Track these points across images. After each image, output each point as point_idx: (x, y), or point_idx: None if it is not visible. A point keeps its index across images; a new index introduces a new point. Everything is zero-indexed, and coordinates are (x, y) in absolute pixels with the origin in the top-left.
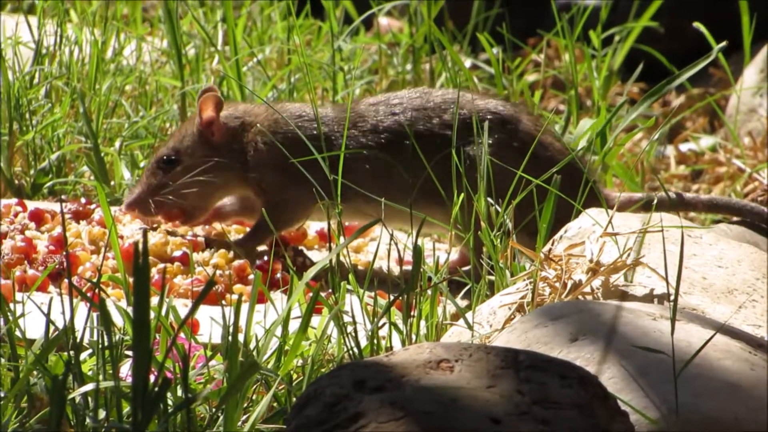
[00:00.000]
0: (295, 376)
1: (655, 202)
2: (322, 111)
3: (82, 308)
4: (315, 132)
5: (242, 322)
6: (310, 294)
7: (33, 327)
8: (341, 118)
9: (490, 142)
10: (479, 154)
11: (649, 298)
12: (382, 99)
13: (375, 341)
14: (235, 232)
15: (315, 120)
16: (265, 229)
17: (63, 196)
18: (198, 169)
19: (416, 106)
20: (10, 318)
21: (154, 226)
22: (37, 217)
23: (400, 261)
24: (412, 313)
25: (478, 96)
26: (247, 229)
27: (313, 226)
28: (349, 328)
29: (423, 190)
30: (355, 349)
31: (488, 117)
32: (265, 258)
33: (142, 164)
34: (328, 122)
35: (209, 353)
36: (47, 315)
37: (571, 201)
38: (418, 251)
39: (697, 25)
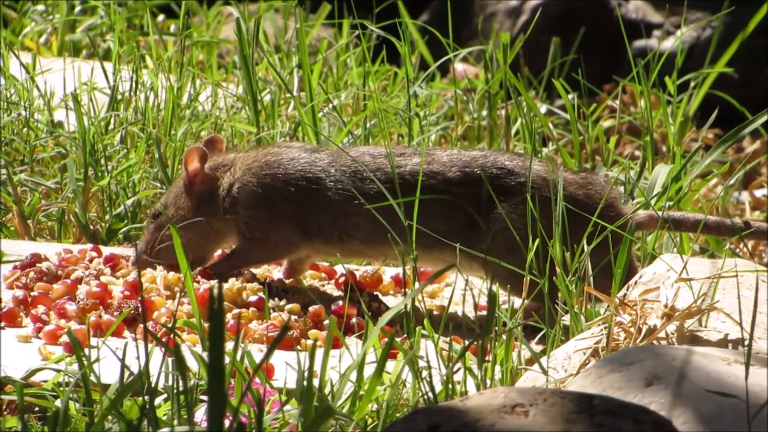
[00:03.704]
0: (369, 420)
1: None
2: (318, 155)
3: (156, 353)
4: (309, 174)
5: (317, 367)
6: (385, 339)
7: (108, 372)
8: (337, 162)
9: (503, 198)
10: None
11: (723, 343)
12: (385, 151)
13: (450, 386)
14: (311, 277)
15: (309, 162)
16: (242, 259)
17: (138, 242)
18: (182, 218)
19: (419, 162)
20: (86, 363)
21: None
22: (113, 263)
23: (476, 306)
24: (487, 358)
25: (485, 153)
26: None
27: (389, 272)
28: (424, 373)
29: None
30: (430, 394)
31: (494, 172)
32: (341, 303)
33: None
34: (324, 166)
35: (284, 398)
36: (122, 360)
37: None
38: (492, 296)
39: None
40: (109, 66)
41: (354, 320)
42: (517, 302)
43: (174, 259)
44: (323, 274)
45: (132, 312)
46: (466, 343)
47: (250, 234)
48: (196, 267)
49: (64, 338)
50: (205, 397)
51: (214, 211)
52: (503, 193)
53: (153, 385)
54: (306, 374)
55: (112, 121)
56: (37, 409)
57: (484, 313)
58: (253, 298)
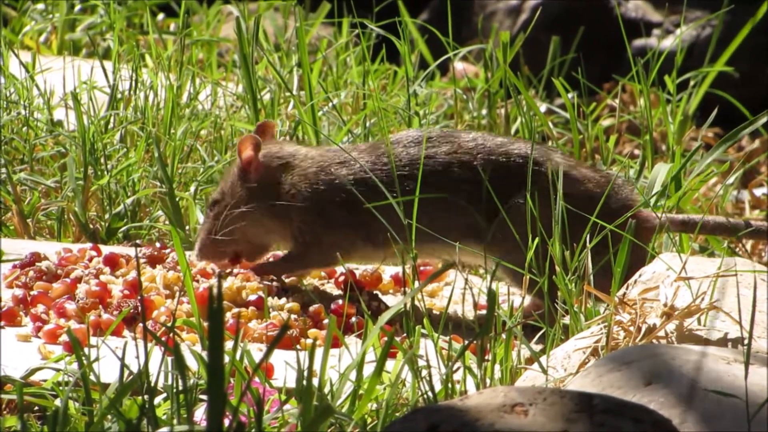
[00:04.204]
0: (369, 420)
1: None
2: (355, 155)
3: (156, 352)
4: (355, 177)
5: (317, 367)
6: (385, 338)
7: (107, 371)
8: (378, 161)
9: (524, 187)
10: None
11: (722, 342)
12: (414, 134)
13: (449, 385)
14: (310, 276)
15: (357, 165)
16: (295, 263)
17: (138, 241)
18: (236, 206)
19: (447, 150)
20: (85, 362)
21: (227, 270)
22: (112, 262)
23: (475, 305)
24: (486, 357)
25: (506, 140)
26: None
27: (388, 271)
28: (424, 372)
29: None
30: (430, 393)
31: (517, 161)
32: (340, 302)
33: None
34: (367, 167)
35: (283, 397)
36: (122, 359)
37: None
38: (492, 296)
39: None
40: (108, 65)
41: (353, 319)
42: (518, 300)
43: (237, 243)
44: (323, 273)
45: (131, 311)
46: (466, 342)
47: (302, 239)
48: (260, 255)
49: (64, 337)
50: (204, 397)
51: (268, 207)
52: (525, 182)
53: (152, 384)
54: (305, 373)
55: (111, 120)
56: (36, 408)
57: (484, 312)
58: (252, 297)
